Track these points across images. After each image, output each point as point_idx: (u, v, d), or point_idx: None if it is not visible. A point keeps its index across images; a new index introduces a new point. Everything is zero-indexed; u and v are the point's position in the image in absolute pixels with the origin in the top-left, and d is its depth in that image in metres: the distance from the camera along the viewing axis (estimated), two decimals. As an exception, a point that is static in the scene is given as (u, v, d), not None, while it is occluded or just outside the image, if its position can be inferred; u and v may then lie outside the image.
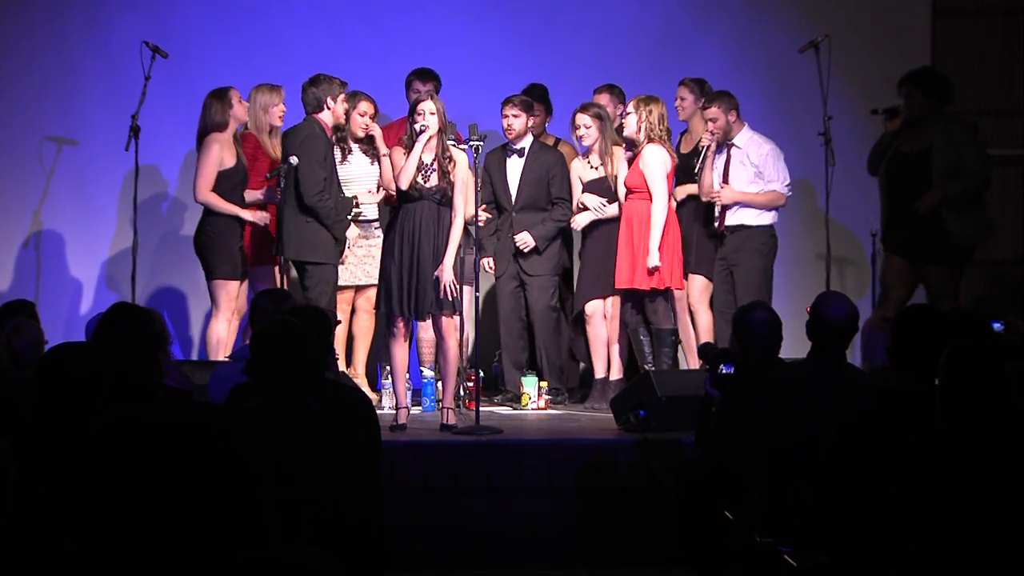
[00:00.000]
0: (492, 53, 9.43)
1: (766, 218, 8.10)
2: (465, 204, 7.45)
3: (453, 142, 7.50)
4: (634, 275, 7.88)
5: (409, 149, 7.27)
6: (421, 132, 7.21)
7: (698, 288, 8.25)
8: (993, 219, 8.32)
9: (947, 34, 9.66)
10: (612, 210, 8.12)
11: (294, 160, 7.62)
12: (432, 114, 7.24)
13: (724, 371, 5.39)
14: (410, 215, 7.32)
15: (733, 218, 8.10)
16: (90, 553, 2.07)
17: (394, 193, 7.54)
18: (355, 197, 7.98)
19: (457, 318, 7.47)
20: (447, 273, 7.25)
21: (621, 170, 8.08)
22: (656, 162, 7.82)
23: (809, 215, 9.00)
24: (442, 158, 7.29)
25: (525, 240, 8.29)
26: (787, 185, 8.11)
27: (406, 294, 7.28)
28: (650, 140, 7.85)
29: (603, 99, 8.48)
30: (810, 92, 8.22)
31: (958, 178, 7.89)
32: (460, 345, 7.71)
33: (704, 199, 8.17)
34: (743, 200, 8.05)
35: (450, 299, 7.28)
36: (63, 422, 3.77)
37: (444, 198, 7.30)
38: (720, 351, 5.49)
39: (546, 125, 8.80)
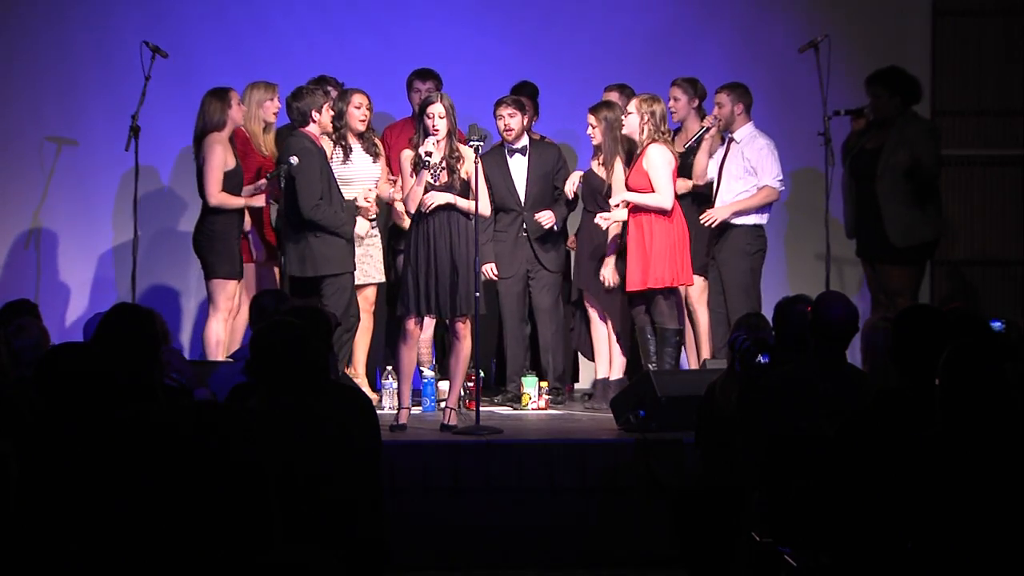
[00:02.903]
0: (491, 53, 9.43)
1: (753, 218, 8.10)
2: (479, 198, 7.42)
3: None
4: (645, 276, 7.85)
5: (417, 164, 7.29)
6: (426, 163, 7.21)
7: (697, 288, 8.24)
8: (948, 219, 8.37)
9: (947, 34, 9.66)
10: (616, 215, 8.03)
11: (294, 160, 7.60)
12: (441, 117, 7.26)
13: (761, 361, 5.35)
14: (424, 216, 7.34)
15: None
16: (92, 554, 2.07)
17: (402, 210, 7.62)
18: (354, 200, 7.96)
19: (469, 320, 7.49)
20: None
21: (617, 180, 8.05)
22: (662, 160, 7.80)
23: (809, 215, 8.99)
24: (450, 158, 7.31)
25: (549, 216, 8.26)
26: (779, 180, 8.11)
27: (423, 294, 7.29)
28: (653, 140, 7.84)
29: (614, 96, 8.46)
30: (810, 92, 8.22)
31: (905, 178, 7.96)
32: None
33: (698, 183, 8.16)
34: (736, 209, 8.05)
35: (469, 300, 7.29)
36: (63, 422, 3.77)
37: (458, 195, 7.32)
38: (756, 341, 5.45)
39: (532, 123, 8.74)
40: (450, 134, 7.32)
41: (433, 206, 7.29)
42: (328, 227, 7.68)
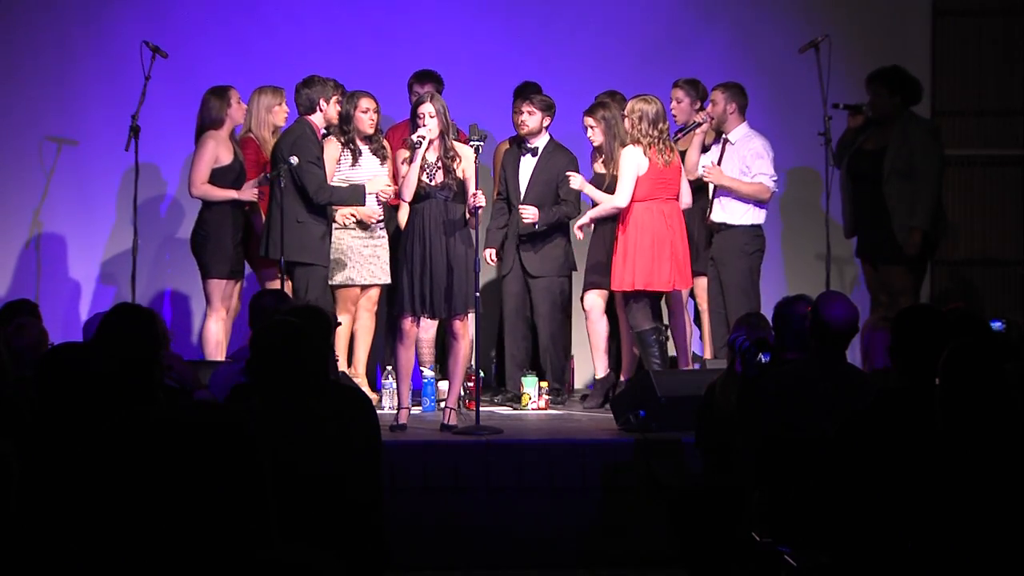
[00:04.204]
0: (492, 52, 9.43)
1: (751, 217, 8.10)
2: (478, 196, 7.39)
3: (454, 138, 7.52)
4: (626, 277, 7.85)
5: (411, 154, 7.28)
6: (418, 144, 7.22)
7: (703, 287, 8.24)
8: (949, 220, 8.35)
9: (947, 34, 9.66)
10: (611, 201, 7.98)
11: (294, 160, 7.63)
12: (432, 116, 7.25)
13: (763, 359, 5.35)
14: (419, 215, 7.35)
15: (719, 216, 8.10)
16: (92, 554, 2.07)
17: (398, 200, 7.57)
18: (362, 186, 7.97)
19: (471, 316, 7.48)
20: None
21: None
22: (627, 163, 7.79)
23: (809, 215, 9.00)
24: (445, 157, 7.30)
25: (532, 212, 8.24)
26: (773, 180, 8.11)
27: (418, 294, 7.29)
28: (635, 142, 7.83)
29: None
30: (810, 92, 8.22)
31: (909, 179, 7.94)
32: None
33: (689, 177, 8.17)
34: (728, 184, 8.03)
35: (466, 298, 7.28)
36: (63, 422, 3.77)
37: (452, 195, 7.32)
38: (757, 340, 5.45)
39: None
40: (443, 135, 7.30)
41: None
42: (341, 202, 7.76)
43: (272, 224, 7.66)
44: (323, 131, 7.98)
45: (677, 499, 5.82)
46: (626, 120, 7.88)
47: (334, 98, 7.89)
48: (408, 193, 7.32)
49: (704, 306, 8.30)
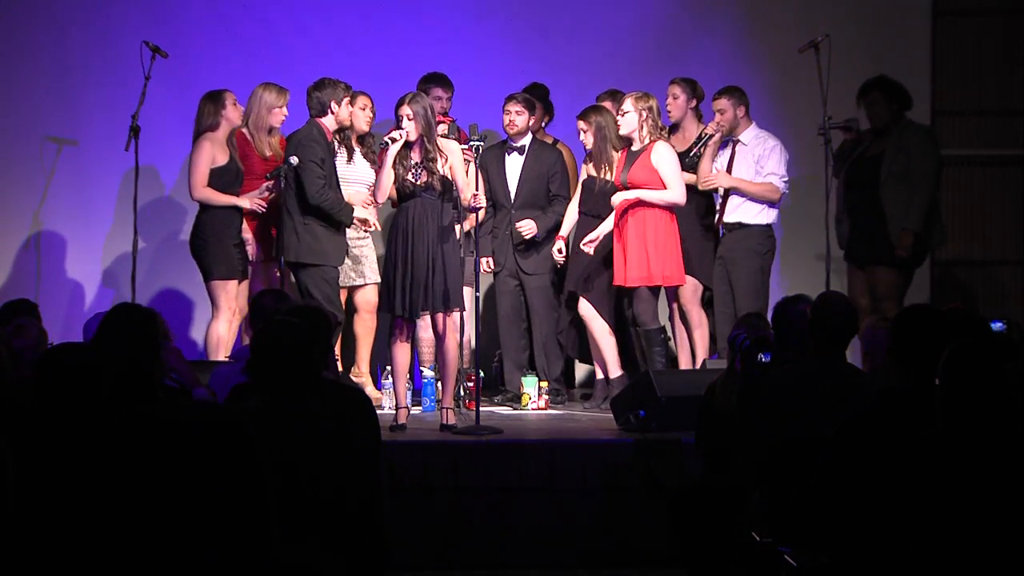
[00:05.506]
0: (492, 53, 9.44)
1: (763, 217, 8.11)
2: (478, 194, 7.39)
3: (454, 136, 7.51)
4: (644, 273, 7.84)
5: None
6: (384, 146, 7.23)
7: (689, 288, 8.24)
8: (944, 225, 8.33)
9: (947, 34, 9.67)
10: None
11: (294, 160, 7.64)
12: (409, 119, 7.24)
13: (763, 358, 5.34)
14: (405, 213, 7.35)
15: (731, 216, 8.11)
16: (92, 553, 2.07)
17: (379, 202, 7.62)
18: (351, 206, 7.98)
19: (456, 316, 7.46)
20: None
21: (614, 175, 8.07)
22: (671, 156, 7.84)
23: (809, 215, 8.98)
24: (426, 159, 7.28)
25: (530, 227, 8.27)
26: (784, 181, 8.12)
27: (401, 293, 7.28)
28: (659, 137, 7.85)
29: (607, 105, 8.44)
30: (810, 92, 8.22)
31: (906, 183, 7.93)
32: (461, 346, 7.72)
33: (701, 187, 8.16)
34: (738, 186, 8.04)
35: (448, 297, 7.27)
36: (62, 422, 3.77)
37: (438, 194, 7.31)
38: (758, 339, 5.45)
39: (544, 125, 8.79)
40: (423, 137, 7.27)
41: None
42: (331, 211, 7.73)
43: (279, 226, 7.70)
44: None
45: (677, 499, 5.82)
46: (629, 116, 7.86)
47: (345, 100, 7.89)
48: (381, 195, 7.35)
49: (689, 307, 8.28)
